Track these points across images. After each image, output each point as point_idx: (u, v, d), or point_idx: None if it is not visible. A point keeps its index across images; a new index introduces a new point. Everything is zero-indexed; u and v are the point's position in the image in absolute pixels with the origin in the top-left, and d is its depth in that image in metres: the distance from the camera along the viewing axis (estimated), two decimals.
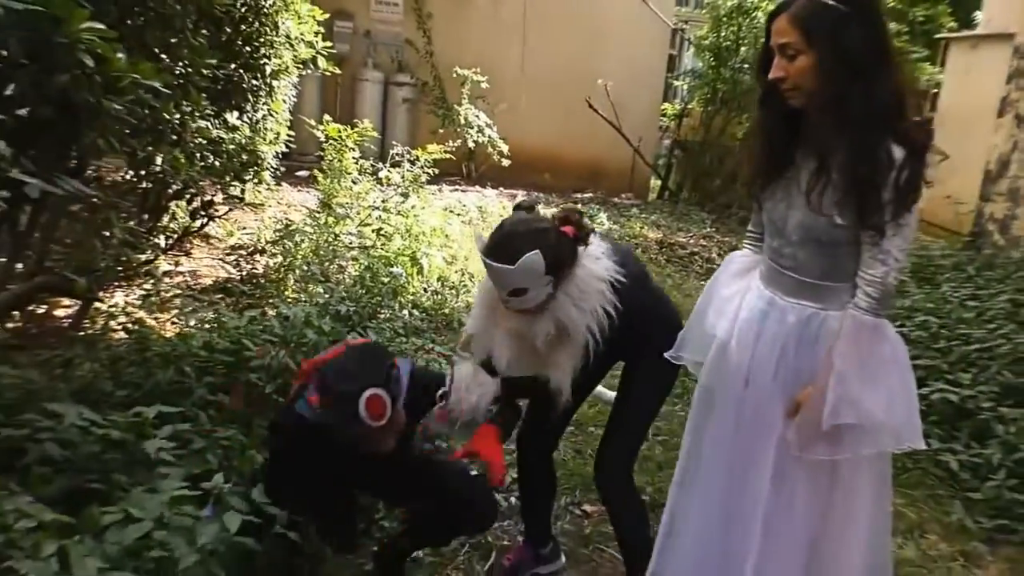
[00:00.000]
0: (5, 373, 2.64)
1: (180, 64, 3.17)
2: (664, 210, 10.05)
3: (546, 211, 2.47)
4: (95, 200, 2.97)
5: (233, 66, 4.17)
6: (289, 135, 5.44)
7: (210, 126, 3.91)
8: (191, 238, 5.60)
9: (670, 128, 11.50)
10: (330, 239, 5.48)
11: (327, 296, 4.32)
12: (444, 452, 3.02)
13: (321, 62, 5.45)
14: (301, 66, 5.26)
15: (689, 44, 11.60)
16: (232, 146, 4.36)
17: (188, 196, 4.75)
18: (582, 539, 3.03)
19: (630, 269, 2.28)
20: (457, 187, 9.52)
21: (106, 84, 2.06)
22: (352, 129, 6.23)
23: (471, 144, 9.79)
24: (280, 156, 5.53)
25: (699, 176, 10.74)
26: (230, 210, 5.59)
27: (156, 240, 4.81)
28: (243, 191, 5.05)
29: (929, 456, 3.75)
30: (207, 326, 3.53)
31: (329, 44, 5.56)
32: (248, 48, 4.38)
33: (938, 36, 11.73)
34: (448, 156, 6.71)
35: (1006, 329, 4.54)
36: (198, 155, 3.82)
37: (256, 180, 5.08)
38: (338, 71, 6.28)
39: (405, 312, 4.80)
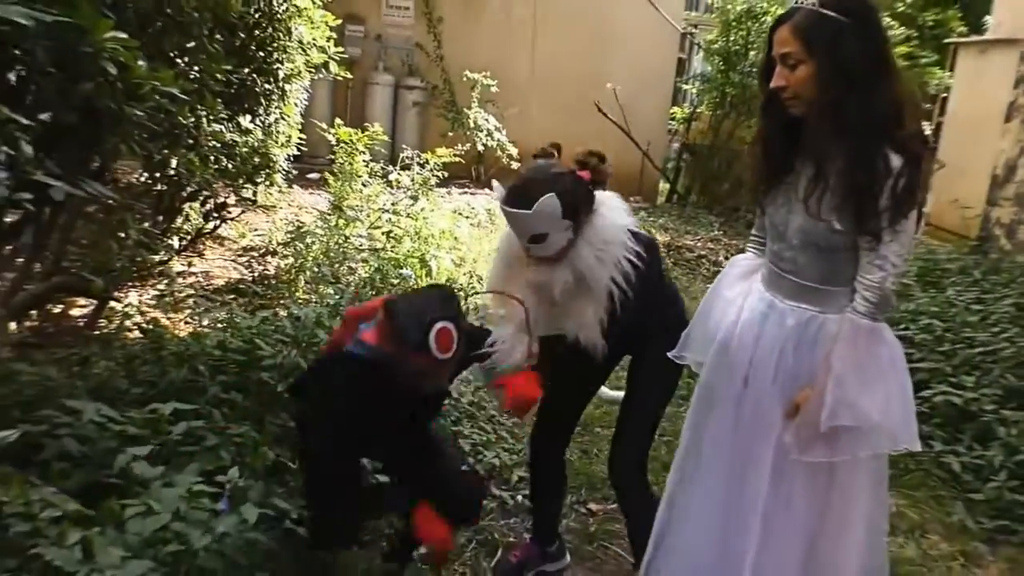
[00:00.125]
0: (24, 371, 2.70)
1: (195, 69, 3.23)
2: (672, 213, 10.08)
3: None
4: (111, 202, 3.03)
5: (247, 71, 4.23)
6: (300, 138, 5.50)
7: (224, 129, 3.97)
8: (204, 239, 5.67)
9: (679, 132, 11.51)
10: (340, 241, 5.54)
11: (337, 297, 4.38)
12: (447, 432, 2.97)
13: (333, 67, 5.51)
14: (313, 70, 5.32)
15: (698, 48, 11.62)
16: (245, 149, 4.42)
17: (202, 198, 4.81)
18: (587, 537, 3.08)
19: (652, 256, 2.31)
20: (466, 190, 9.57)
21: (128, 91, 2.13)
22: (363, 132, 6.30)
23: (480, 147, 9.85)
24: (291, 159, 5.59)
25: (707, 180, 10.75)
26: (242, 212, 5.65)
27: (170, 241, 4.88)
28: (255, 193, 5.10)
29: (932, 458, 3.79)
30: (220, 326, 3.60)
31: (341, 49, 5.62)
32: (261, 53, 4.44)
33: (947, 41, 11.71)
34: (457, 159, 6.76)
35: (1010, 333, 4.57)
36: (212, 158, 3.88)
37: (268, 182, 5.13)
38: (349, 75, 6.34)
39: None
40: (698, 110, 11.08)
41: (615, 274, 2.21)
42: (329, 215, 5.99)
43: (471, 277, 5.75)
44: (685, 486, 2.30)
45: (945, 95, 11.06)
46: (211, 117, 3.64)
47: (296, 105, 5.25)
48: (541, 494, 2.79)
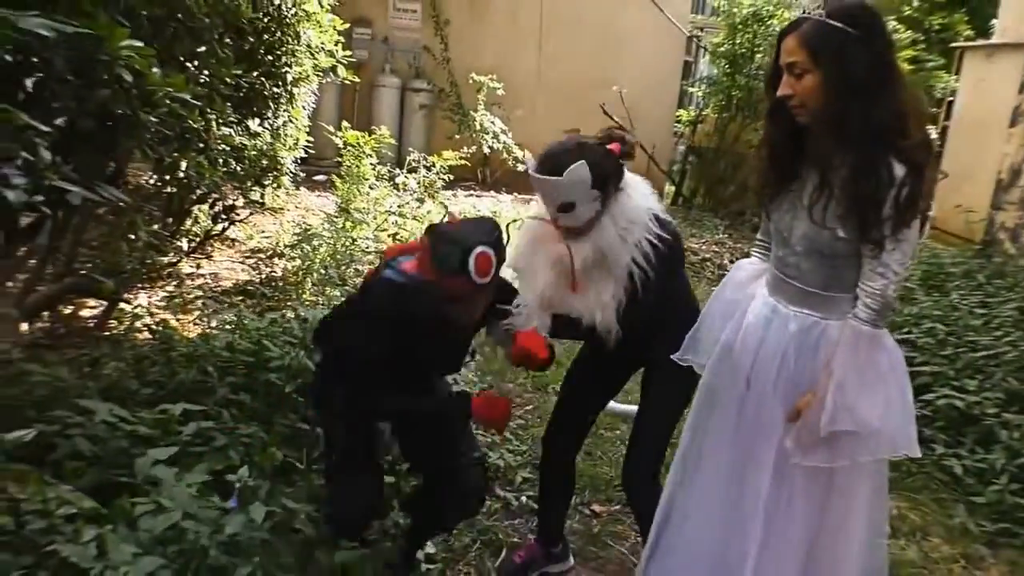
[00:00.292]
0: (36, 371, 2.74)
1: (206, 74, 3.28)
2: (677, 216, 10.06)
3: None
4: (121, 204, 3.07)
5: (255, 74, 4.27)
6: (308, 141, 5.53)
7: (233, 133, 4.00)
8: (213, 241, 5.72)
9: (685, 134, 11.52)
10: (347, 243, 5.59)
11: (344, 299, 4.41)
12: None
13: (341, 71, 5.54)
14: (321, 74, 5.36)
15: (704, 51, 11.62)
16: (253, 152, 4.45)
17: (210, 200, 4.85)
18: (591, 538, 3.11)
19: (675, 244, 2.34)
20: (472, 192, 9.61)
21: (142, 97, 2.18)
22: (369, 135, 6.34)
23: (486, 150, 9.89)
24: (299, 161, 5.61)
25: (713, 183, 10.75)
26: (251, 214, 5.70)
27: (179, 243, 4.93)
28: (263, 196, 5.14)
29: (934, 460, 3.81)
30: (228, 327, 3.62)
31: (348, 53, 5.66)
32: (270, 57, 4.48)
33: (954, 44, 11.71)
34: (463, 162, 6.79)
35: (1013, 336, 4.57)
36: (221, 161, 3.91)
37: (276, 185, 5.17)
38: (356, 79, 6.38)
39: None
40: (704, 113, 11.08)
41: (636, 255, 2.23)
42: (336, 217, 6.04)
43: None
44: (685, 486, 2.32)
45: (951, 99, 11.06)
46: (220, 120, 3.68)
47: (304, 108, 5.29)
48: (548, 495, 2.81)
